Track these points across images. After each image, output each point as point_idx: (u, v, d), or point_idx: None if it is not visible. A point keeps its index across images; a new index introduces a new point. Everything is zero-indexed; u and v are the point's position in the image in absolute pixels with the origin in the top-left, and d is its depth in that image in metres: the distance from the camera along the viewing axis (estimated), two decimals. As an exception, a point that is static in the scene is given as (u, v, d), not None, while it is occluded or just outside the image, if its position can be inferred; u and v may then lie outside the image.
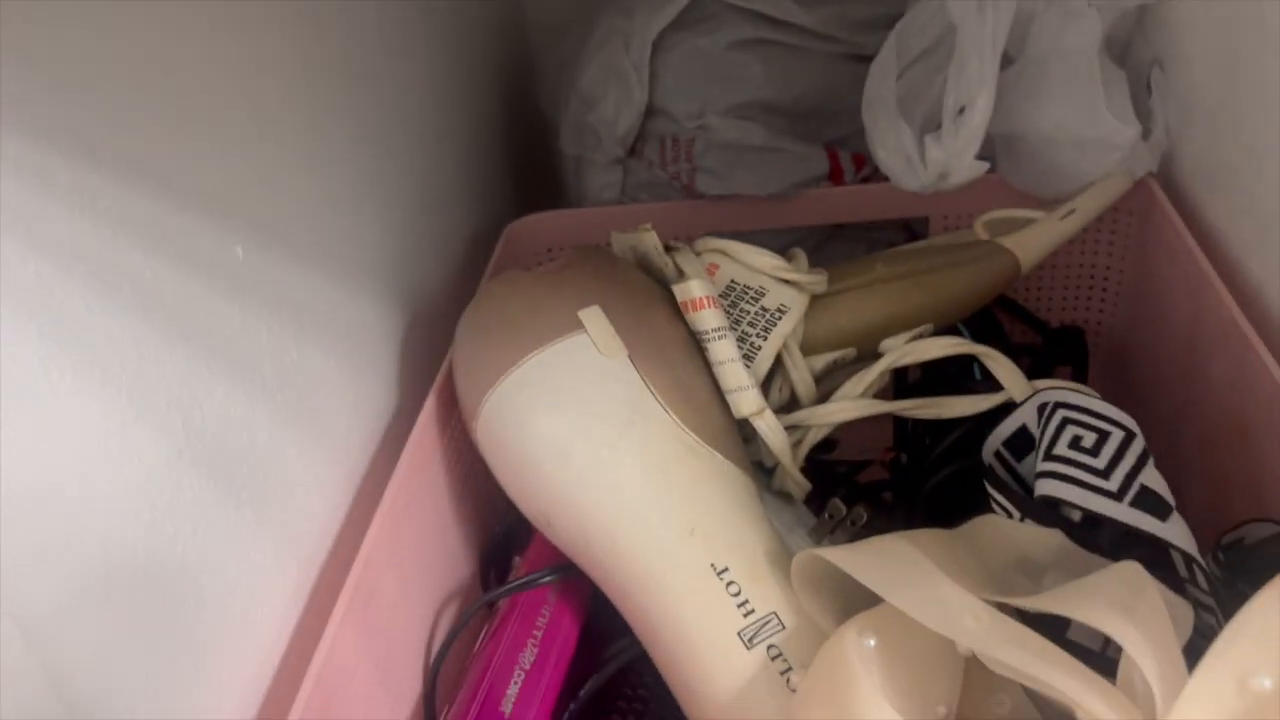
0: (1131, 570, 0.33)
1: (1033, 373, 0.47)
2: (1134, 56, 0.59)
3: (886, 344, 0.48)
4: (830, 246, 0.63)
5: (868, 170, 0.61)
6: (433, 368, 0.49)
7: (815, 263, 0.52)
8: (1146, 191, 0.55)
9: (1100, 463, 0.38)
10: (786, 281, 0.47)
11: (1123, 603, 0.31)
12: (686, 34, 0.58)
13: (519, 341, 0.43)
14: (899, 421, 0.54)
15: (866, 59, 0.57)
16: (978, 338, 0.56)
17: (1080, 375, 0.56)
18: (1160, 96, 0.56)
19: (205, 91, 0.36)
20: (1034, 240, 0.52)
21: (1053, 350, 0.58)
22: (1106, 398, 0.58)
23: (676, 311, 0.45)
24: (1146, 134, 0.56)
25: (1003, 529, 0.39)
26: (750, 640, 0.38)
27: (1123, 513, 0.36)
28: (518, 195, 0.71)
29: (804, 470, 0.49)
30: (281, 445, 0.39)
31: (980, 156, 0.57)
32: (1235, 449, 0.44)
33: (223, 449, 0.35)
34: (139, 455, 0.30)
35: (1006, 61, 0.57)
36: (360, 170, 0.48)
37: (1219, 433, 0.46)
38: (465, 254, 0.61)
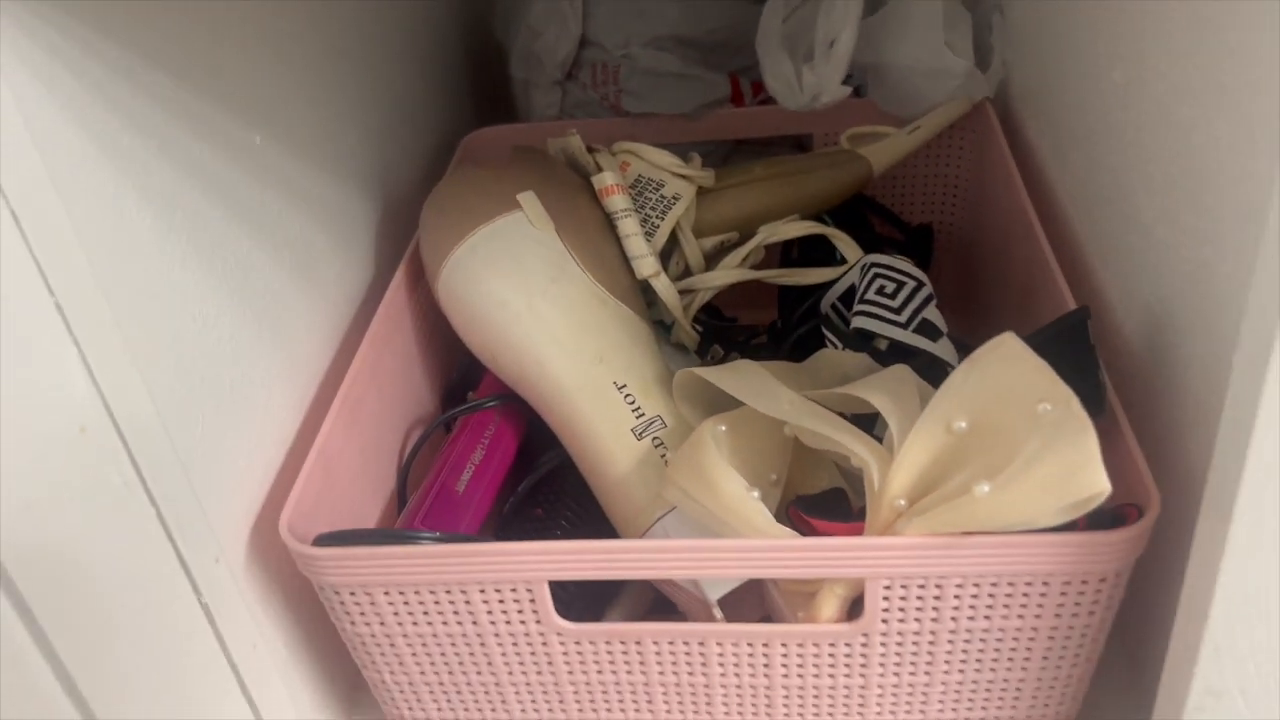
0: (900, 369, 0.46)
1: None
2: (984, 2, 0.72)
3: (763, 228, 0.61)
4: (734, 159, 0.76)
5: (763, 95, 0.73)
6: (404, 244, 0.62)
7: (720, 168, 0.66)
8: (984, 113, 0.68)
9: (896, 303, 0.51)
10: (682, 176, 0.60)
11: (886, 387, 0.45)
12: (614, -23, 0.70)
13: (470, 218, 0.55)
14: (782, 299, 0.67)
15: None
16: (851, 232, 0.70)
17: (925, 261, 0.69)
18: (998, 35, 0.69)
19: (234, 23, 0.48)
20: (885, 150, 0.65)
21: (910, 244, 0.71)
22: (954, 280, 0.72)
23: (595, 197, 0.58)
24: (985, 66, 0.69)
25: (831, 357, 0.53)
26: (640, 434, 0.51)
27: (907, 336, 0.50)
28: (475, 112, 0.84)
29: (700, 332, 0.62)
30: (288, 289, 0.51)
31: (855, 85, 0.70)
32: (1025, 306, 0.58)
33: (247, 285, 0.48)
34: (192, 281, 0.43)
35: (880, 3, 0.69)
36: (342, 82, 0.60)
37: (1018, 295, 0.60)
38: (430, 159, 0.73)
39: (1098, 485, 0.36)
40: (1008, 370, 0.40)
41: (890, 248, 0.69)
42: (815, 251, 0.64)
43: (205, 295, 0.44)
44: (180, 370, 0.41)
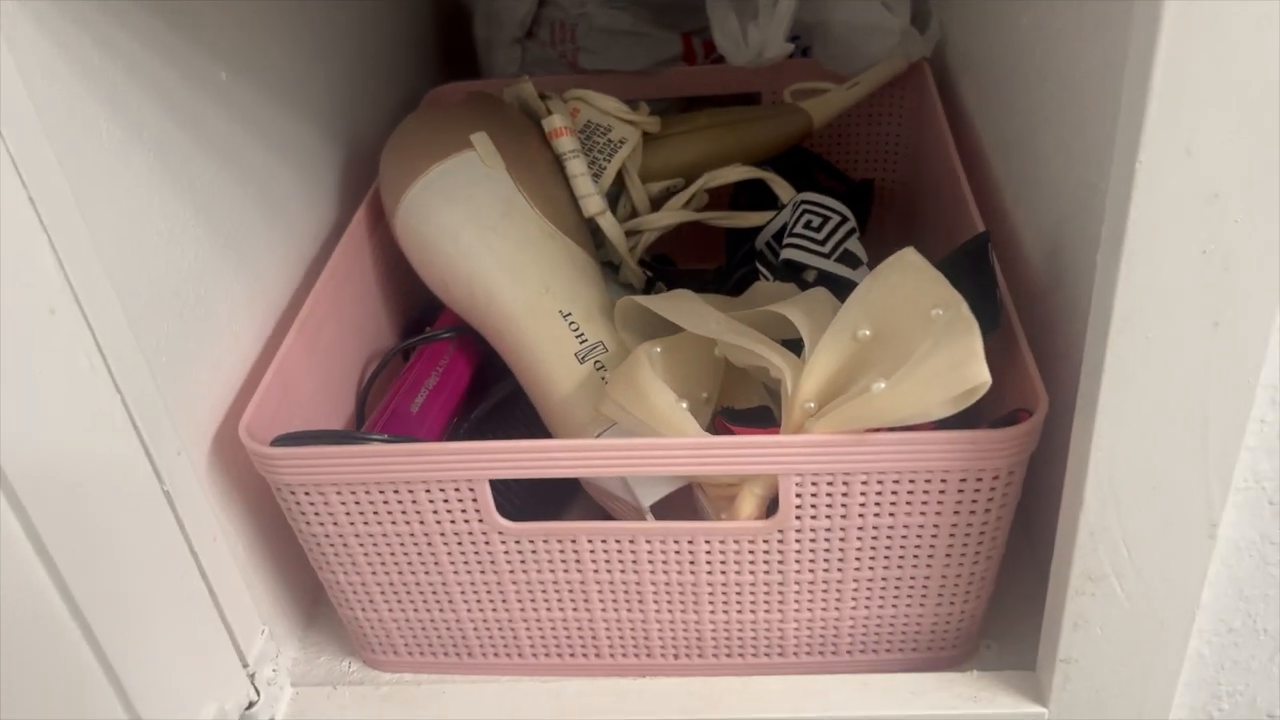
0: (819, 291, 0.50)
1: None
2: (924, -34, 0.76)
3: (706, 175, 0.65)
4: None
5: (715, 54, 0.76)
6: (367, 188, 0.65)
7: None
8: (921, 72, 0.72)
9: (821, 236, 0.55)
10: (628, 121, 0.63)
11: (803, 306, 0.48)
12: (571, -62, 0.74)
13: (425, 156, 0.59)
14: (729, 245, 0.71)
15: (717, -37, 0.73)
16: (796, 185, 0.73)
17: (865, 213, 0.73)
18: (936, -1, 0.73)
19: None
20: (825, 104, 0.69)
21: (852, 197, 0.75)
22: (895, 232, 0.76)
23: (546, 139, 0.62)
24: (924, 27, 0.73)
25: (763, 288, 0.56)
26: (582, 358, 0.55)
27: (831, 265, 0.54)
28: (441, 68, 0.87)
29: (647, 275, 0.66)
30: (252, 218, 0.55)
31: (801, 45, 0.74)
32: (947, 241, 0.61)
33: (211, 209, 0.51)
34: (158, 197, 0.46)
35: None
36: (311, 29, 0.63)
37: (945, 239, 0.63)
38: (396, 111, 0.76)
39: (979, 377, 0.40)
40: (906, 280, 0.44)
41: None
42: (759, 198, 0.67)
43: (171, 212, 0.47)
44: (144, 277, 0.44)
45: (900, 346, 0.43)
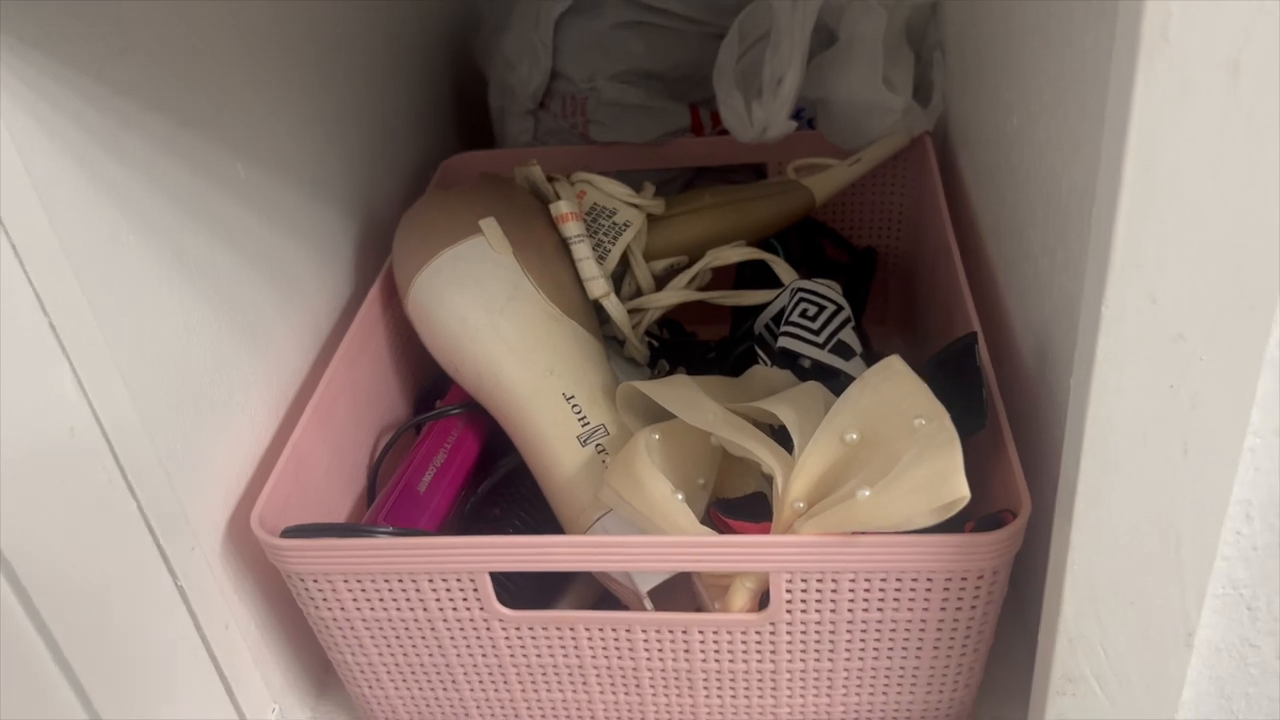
0: (812, 385, 0.51)
1: (842, 280, 0.66)
2: (927, 41, 0.77)
3: (709, 253, 0.67)
4: (696, 183, 0.81)
5: (721, 125, 0.78)
6: (383, 260, 0.67)
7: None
8: (922, 145, 0.73)
9: (816, 325, 0.56)
10: (633, 204, 0.65)
11: (795, 402, 0.50)
12: (581, 17, 0.75)
13: (436, 240, 0.61)
14: (735, 316, 0.72)
15: (723, 37, 0.74)
16: (803, 255, 0.75)
17: (868, 282, 0.74)
18: (939, 72, 0.74)
19: (219, 54, 0.53)
20: (827, 180, 0.70)
21: (855, 265, 0.76)
22: (899, 298, 0.77)
23: (552, 223, 0.63)
24: (926, 101, 0.74)
25: (761, 373, 0.58)
26: (584, 441, 0.57)
27: (825, 356, 0.55)
28: (456, 136, 0.89)
29: (655, 349, 0.67)
30: (268, 302, 0.57)
31: (806, 117, 0.75)
32: (947, 324, 0.63)
33: (232, 301, 0.53)
34: (176, 296, 0.48)
35: (831, 41, 0.74)
36: (326, 110, 0.65)
37: (943, 314, 0.65)
38: (411, 181, 0.79)
39: (958, 491, 0.41)
40: (892, 388, 0.45)
41: (835, 272, 0.74)
42: (762, 272, 0.69)
43: (189, 308, 0.49)
44: (163, 377, 0.46)
45: (885, 452, 0.44)
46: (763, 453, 0.48)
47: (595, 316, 0.63)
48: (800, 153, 0.74)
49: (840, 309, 0.57)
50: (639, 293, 0.66)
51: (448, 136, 0.87)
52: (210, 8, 0.52)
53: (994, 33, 0.60)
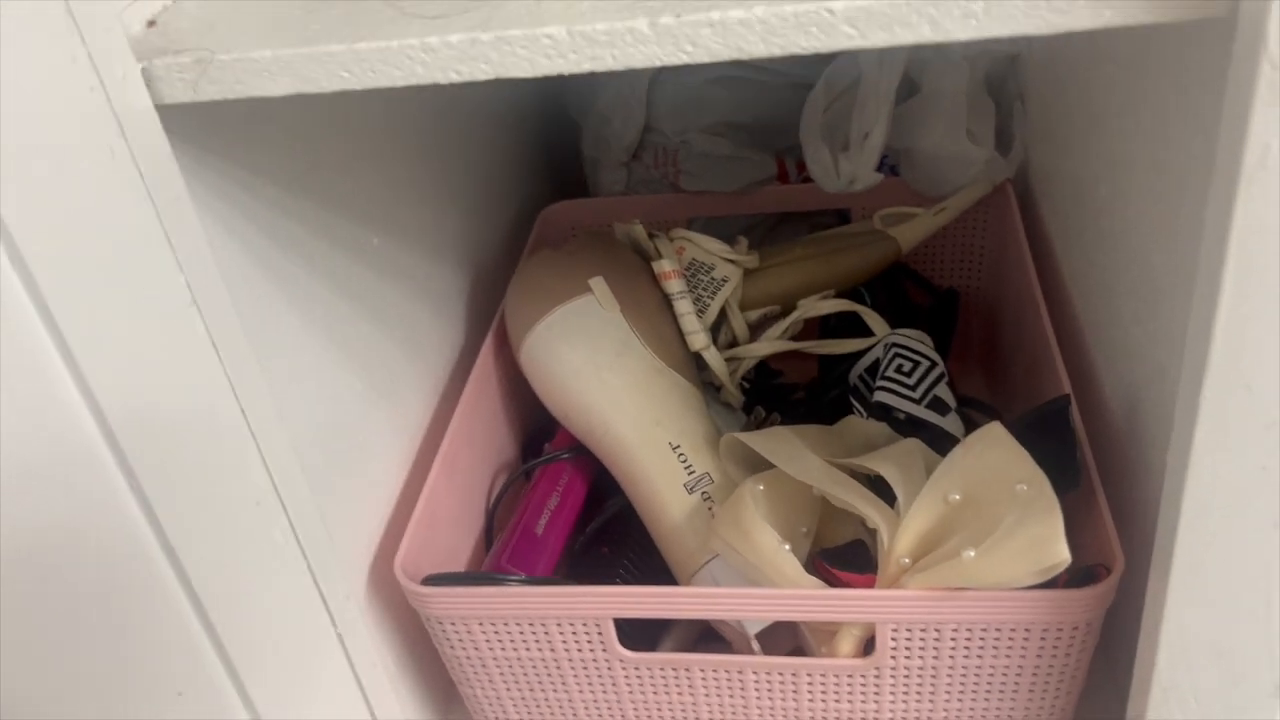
0: (911, 443, 0.55)
1: (925, 322, 0.69)
2: (1007, 90, 0.80)
3: (801, 303, 0.70)
4: (781, 228, 0.85)
5: (806, 173, 0.81)
6: (490, 314, 0.72)
7: (767, 240, 0.74)
8: (1004, 193, 0.76)
9: (912, 381, 0.59)
10: (730, 260, 0.69)
11: (898, 460, 0.53)
12: (675, 73, 0.79)
13: (549, 299, 0.65)
14: (821, 360, 0.76)
15: (810, 87, 0.78)
16: (886, 298, 0.78)
17: (952, 323, 0.77)
18: (1019, 122, 0.77)
19: (356, 138, 0.58)
20: (913, 230, 0.73)
21: (938, 307, 0.79)
22: (980, 339, 0.80)
23: (654, 279, 0.67)
24: (1007, 151, 0.77)
25: (856, 424, 0.61)
26: (690, 489, 0.60)
27: (920, 411, 0.58)
28: (550, 185, 0.93)
29: (746, 391, 0.71)
30: (399, 363, 0.61)
31: (890, 164, 0.78)
32: (1032, 372, 0.66)
33: (369, 366, 0.57)
34: (330, 369, 0.53)
35: (914, 90, 0.77)
36: (439, 170, 0.69)
37: (1028, 361, 0.68)
38: (512, 230, 0.83)
39: (1060, 555, 0.45)
40: (994, 453, 0.49)
41: (918, 313, 0.77)
42: (850, 321, 0.72)
43: (336, 376, 0.54)
44: (319, 442, 0.51)
45: (987, 514, 0.48)
46: (867, 509, 0.51)
47: (694, 367, 0.67)
48: (884, 199, 0.77)
49: (934, 364, 0.60)
50: (734, 342, 0.70)
51: (542, 185, 0.92)
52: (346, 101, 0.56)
53: (1078, 95, 0.63)
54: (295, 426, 0.48)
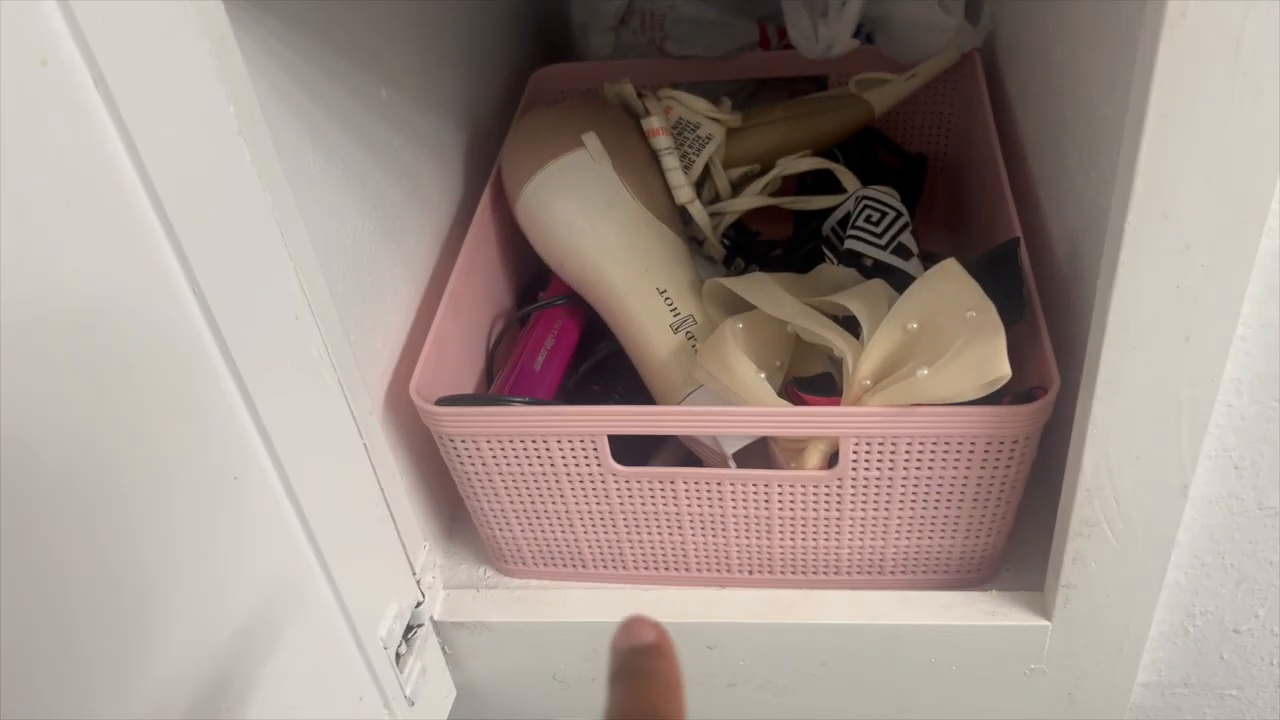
0: (877, 282, 0.61)
1: (895, 185, 0.74)
2: (979, -39, 0.83)
3: (780, 162, 0.75)
4: (762, 93, 0.89)
5: (787, 40, 0.85)
6: (487, 169, 0.76)
7: (748, 104, 0.79)
8: (972, 61, 0.80)
9: (879, 230, 0.65)
10: (714, 119, 0.73)
11: (864, 297, 0.59)
12: (661, -62, 0.82)
13: (544, 152, 0.69)
14: (796, 218, 0.81)
15: (791, -43, 0.81)
16: (859, 160, 0.83)
17: (920, 185, 0.82)
18: (989, -7, 0.81)
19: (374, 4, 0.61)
20: (885, 94, 0.78)
21: (907, 170, 0.84)
22: (946, 200, 0.85)
23: (644, 136, 0.72)
24: (976, 20, 0.81)
25: (828, 270, 0.67)
26: (676, 329, 0.66)
27: (886, 256, 0.64)
28: (540, 49, 0.96)
29: (726, 247, 0.76)
30: (406, 210, 0.66)
31: (865, 32, 0.82)
32: (991, 225, 0.72)
33: (382, 210, 0.62)
34: (348, 211, 0.58)
35: (890, -38, 0.81)
36: (440, 32, 0.73)
37: (987, 216, 0.73)
38: (506, 91, 0.87)
39: (1001, 370, 0.51)
40: (948, 285, 0.55)
41: (889, 176, 0.82)
42: (824, 181, 0.77)
43: (354, 219, 0.59)
44: (342, 275, 0.56)
45: (941, 338, 0.54)
46: (835, 339, 0.57)
47: (680, 220, 0.72)
48: (859, 66, 0.81)
49: (900, 214, 0.66)
50: (718, 198, 0.75)
51: (530, 50, 0.95)
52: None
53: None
54: (323, 259, 0.53)
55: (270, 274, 0.47)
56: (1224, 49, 0.39)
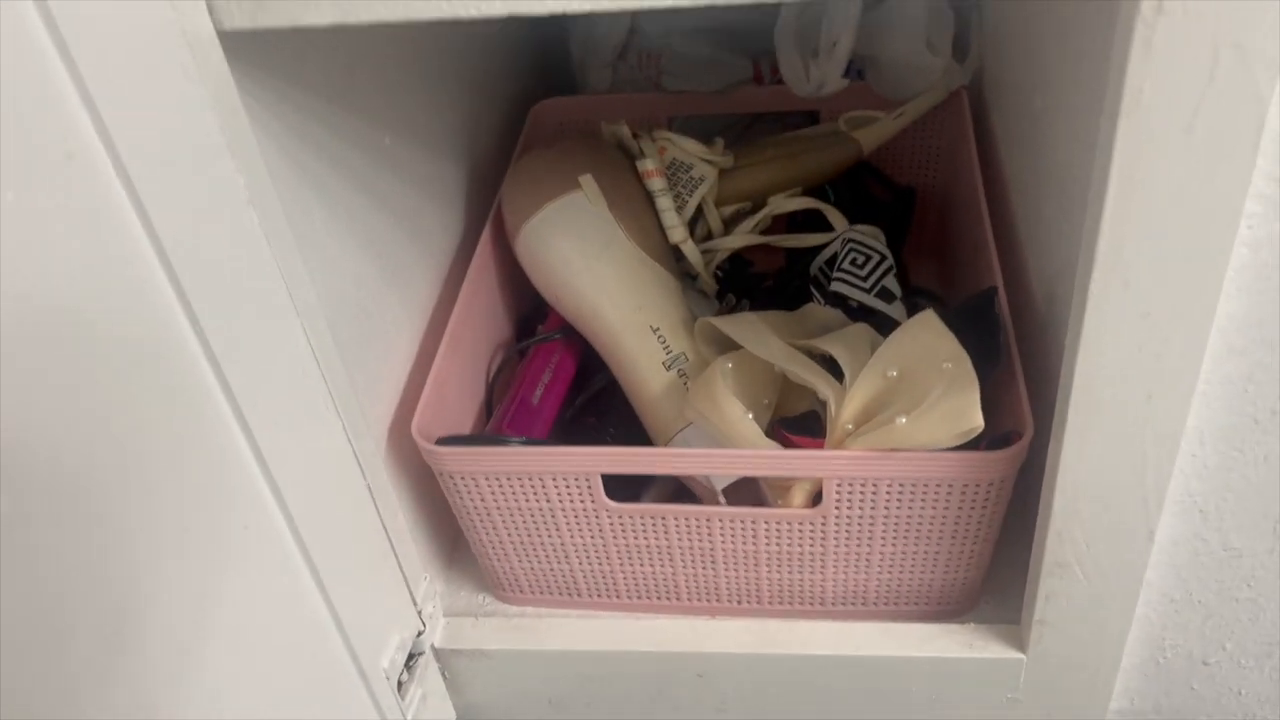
0: (860, 327, 0.63)
1: (885, 216, 0.76)
2: (967, 3, 0.85)
3: (770, 200, 0.77)
4: (756, 127, 0.91)
5: (780, 75, 0.88)
6: (486, 206, 0.78)
7: (742, 136, 0.81)
8: (959, 99, 0.83)
9: (864, 273, 0.67)
10: (707, 160, 0.76)
11: (846, 342, 0.61)
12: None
13: (543, 194, 0.72)
14: (788, 254, 0.83)
15: (785, -4, 0.83)
16: (850, 193, 0.85)
17: (908, 217, 0.84)
18: (975, 31, 0.83)
19: (377, 55, 0.64)
20: (874, 132, 0.80)
21: (896, 202, 0.86)
22: (934, 232, 0.87)
23: (638, 177, 0.74)
24: (963, 57, 0.83)
25: (815, 311, 0.69)
26: (668, 366, 0.69)
27: (870, 300, 0.66)
28: (539, 82, 0.99)
29: (720, 280, 0.79)
30: (408, 251, 0.69)
31: (856, 69, 0.85)
32: (974, 262, 0.74)
33: (383, 254, 0.65)
34: (351, 257, 0.60)
35: (881, 1, 0.83)
36: (440, 71, 0.75)
37: (971, 253, 0.76)
38: (504, 126, 0.89)
39: (974, 422, 0.53)
40: (926, 336, 0.57)
41: (879, 208, 0.85)
42: (814, 217, 0.79)
43: (356, 264, 0.61)
44: (347, 321, 0.58)
45: (919, 387, 0.56)
46: (819, 383, 0.60)
47: (673, 258, 0.74)
48: (850, 103, 0.83)
49: (884, 258, 0.68)
50: (710, 236, 0.78)
51: (534, 83, 0.97)
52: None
53: (1026, 14, 0.70)
54: (327, 308, 0.55)
55: (277, 330, 0.49)
56: (1176, 132, 0.41)
